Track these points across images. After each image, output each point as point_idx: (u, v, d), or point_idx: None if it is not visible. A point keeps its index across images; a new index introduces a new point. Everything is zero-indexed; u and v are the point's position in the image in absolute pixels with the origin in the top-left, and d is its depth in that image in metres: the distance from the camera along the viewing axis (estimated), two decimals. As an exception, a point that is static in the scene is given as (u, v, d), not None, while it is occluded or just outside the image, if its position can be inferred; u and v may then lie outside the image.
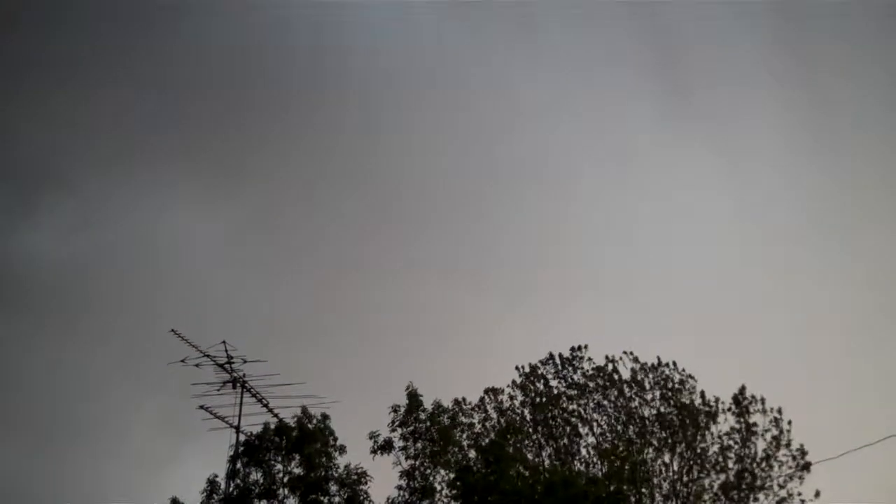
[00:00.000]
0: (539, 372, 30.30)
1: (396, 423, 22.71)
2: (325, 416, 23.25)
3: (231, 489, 22.79)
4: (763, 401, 28.85)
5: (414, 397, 22.96)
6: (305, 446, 22.68)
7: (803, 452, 28.07)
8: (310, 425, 23.10)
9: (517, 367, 30.36)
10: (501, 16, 51.39)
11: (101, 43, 47.15)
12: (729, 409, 28.81)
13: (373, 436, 22.65)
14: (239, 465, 23.07)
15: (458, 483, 21.80)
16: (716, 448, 28.29)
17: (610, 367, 29.66)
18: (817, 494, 27.20)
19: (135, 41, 47.47)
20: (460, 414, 27.13)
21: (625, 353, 29.88)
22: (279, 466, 23.05)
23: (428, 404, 23.13)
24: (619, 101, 50.25)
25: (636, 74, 51.19)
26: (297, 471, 22.67)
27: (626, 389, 29.19)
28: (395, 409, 22.82)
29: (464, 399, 28.65)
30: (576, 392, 29.56)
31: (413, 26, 51.27)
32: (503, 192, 47.98)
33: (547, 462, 27.61)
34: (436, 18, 51.49)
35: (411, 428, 22.72)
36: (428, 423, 22.77)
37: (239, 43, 48.14)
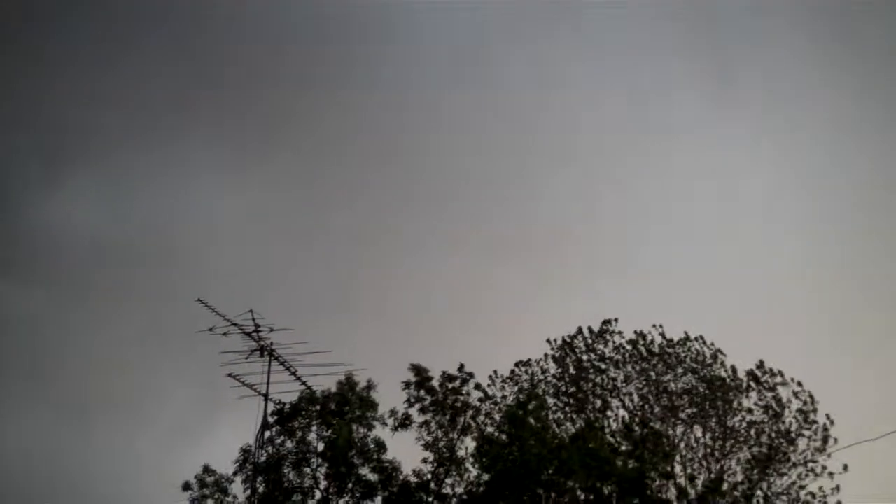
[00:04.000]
0: (573, 344, 30.24)
1: (413, 401, 22.90)
2: (370, 385, 23.40)
3: (261, 457, 23.04)
4: (781, 374, 28.66)
5: (420, 373, 23.08)
6: (344, 415, 22.92)
7: (828, 427, 27.96)
8: (352, 395, 23.22)
9: (549, 340, 30.35)
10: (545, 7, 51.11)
11: (123, 13, 47.62)
12: (748, 386, 28.61)
13: (392, 413, 22.89)
14: (269, 433, 23.29)
15: (481, 454, 22.01)
16: (745, 422, 28.20)
17: (640, 340, 29.55)
18: (846, 468, 27.07)
19: (158, 12, 47.85)
20: (492, 387, 27.39)
21: (654, 326, 29.79)
22: (313, 435, 23.28)
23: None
24: (662, 86, 49.88)
25: (679, 59, 50.69)
26: (330, 438, 22.78)
27: (656, 363, 29.10)
28: (406, 385, 22.98)
29: (495, 372, 28.89)
30: (606, 365, 29.50)
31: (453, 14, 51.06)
32: (538, 169, 47.83)
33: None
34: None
35: (427, 402, 22.87)
36: (447, 398, 22.88)
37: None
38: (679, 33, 51.48)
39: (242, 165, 47.92)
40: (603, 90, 49.91)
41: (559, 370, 29.99)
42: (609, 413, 28.64)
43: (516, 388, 29.15)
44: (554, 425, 26.80)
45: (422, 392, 22.97)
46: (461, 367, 23.63)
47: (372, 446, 22.87)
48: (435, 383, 23.13)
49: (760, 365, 28.81)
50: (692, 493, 25.85)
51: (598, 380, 29.24)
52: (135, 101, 48.13)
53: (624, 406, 28.77)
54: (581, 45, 51.16)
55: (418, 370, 23.18)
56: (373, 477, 22.57)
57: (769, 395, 28.38)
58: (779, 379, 28.55)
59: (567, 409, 28.95)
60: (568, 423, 28.41)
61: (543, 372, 29.88)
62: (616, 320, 30.06)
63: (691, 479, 26.51)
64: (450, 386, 23.10)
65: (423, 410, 22.82)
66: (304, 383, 23.89)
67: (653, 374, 29.03)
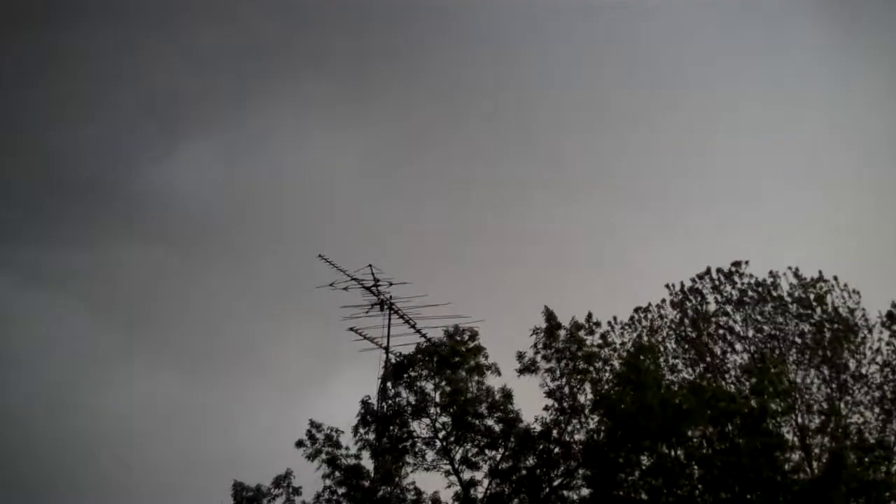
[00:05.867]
0: (696, 287, 29.71)
1: (540, 347, 22.81)
2: (474, 334, 23.44)
3: (384, 409, 23.40)
4: None
5: (551, 319, 22.94)
6: (456, 366, 23.01)
7: None
8: (462, 346, 23.34)
9: (668, 286, 29.91)
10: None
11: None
12: (885, 324, 27.64)
13: (520, 356, 22.84)
14: (389, 385, 23.61)
15: (602, 401, 21.98)
16: (875, 364, 27.36)
17: (770, 281, 28.82)
18: None
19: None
20: (611, 333, 27.15)
21: (789, 268, 28.98)
22: (430, 386, 23.48)
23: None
24: (793, 47, 48.24)
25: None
26: (448, 389, 22.94)
27: (781, 305, 28.39)
28: (535, 332, 22.88)
29: (615, 318, 28.68)
30: (731, 308, 28.92)
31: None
32: (652, 102, 46.78)
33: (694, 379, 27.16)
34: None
35: (553, 349, 22.76)
36: (571, 346, 22.75)
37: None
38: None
39: (355, 120, 48.21)
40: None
41: (678, 314, 29.53)
42: (729, 357, 28.21)
43: (635, 335, 28.94)
44: (669, 372, 26.68)
45: (550, 338, 22.90)
46: (589, 317, 23.55)
47: (498, 396, 22.92)
48: (562, 331, 23.05)
49: None
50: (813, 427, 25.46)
51: (721, 322, 28.67)
52: (244, 59, 48.86)
53: (746, 349, 28.22)
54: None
55: (550, 315, 23.08)
56: (497, 427, 22.66)
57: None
58: None
59: (686, 354, 28.57)
60: (688, 369, 28.18)
61: (662, 318, 29.49)
62: (747, 262, 29.31)
63: (808, 407, 26.00)
64: (577, 334, 23.01)
65: (548, 358, 22.78)
66: (423, 336, 24.27)
67: (779, 317, 28.29)
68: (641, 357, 22.93)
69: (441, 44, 48.40)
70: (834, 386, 27.02)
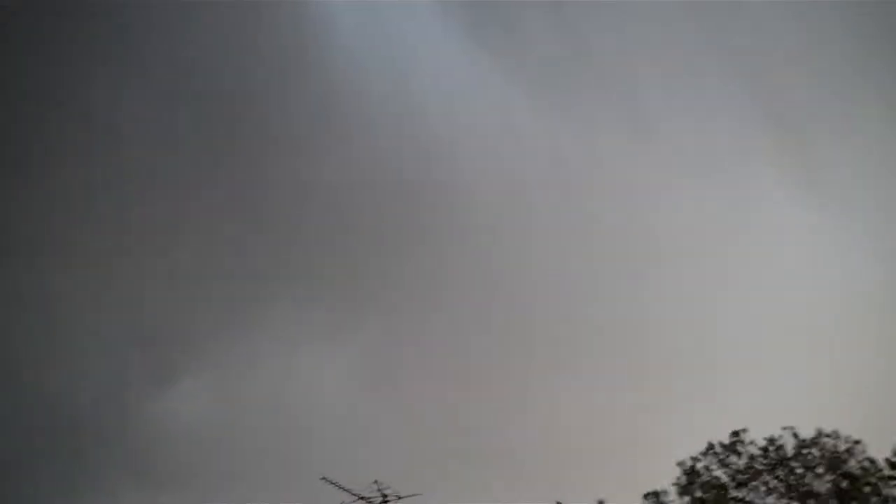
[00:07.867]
0: (699, 466, 29.15)
1: None
2: None
3: None
4: None
5: None
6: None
7: None
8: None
9: (679, 463, 29.32)
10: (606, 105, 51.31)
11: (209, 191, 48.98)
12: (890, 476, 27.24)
13: None
14: None
15: None
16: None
17: (771, 446, 28.44)
18: None
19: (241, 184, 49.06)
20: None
21: (784, 428, 28.66)
22: None
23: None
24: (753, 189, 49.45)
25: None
26: None
27: (794, 466, 27.93)
28: None
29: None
30: (745, 477, 28.32)
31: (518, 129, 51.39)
32: (631, 276, 47.16)
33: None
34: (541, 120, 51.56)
35: None
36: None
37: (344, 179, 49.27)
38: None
39: (344, 331, 48.29)
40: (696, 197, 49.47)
41: (689, 496, 28.82)
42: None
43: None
44: None
45: None
46: None
47: None
48: None
49: None
50: None
51: (737, 496, 28.01)
52: (231, 279, 49.02)
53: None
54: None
55: None
56: None
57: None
58: None
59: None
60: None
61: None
62: (745, 430, 28.96)
63: None
64: None
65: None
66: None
67: (792, 478, 27.76)
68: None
69: (425, 261, 49.13)
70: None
